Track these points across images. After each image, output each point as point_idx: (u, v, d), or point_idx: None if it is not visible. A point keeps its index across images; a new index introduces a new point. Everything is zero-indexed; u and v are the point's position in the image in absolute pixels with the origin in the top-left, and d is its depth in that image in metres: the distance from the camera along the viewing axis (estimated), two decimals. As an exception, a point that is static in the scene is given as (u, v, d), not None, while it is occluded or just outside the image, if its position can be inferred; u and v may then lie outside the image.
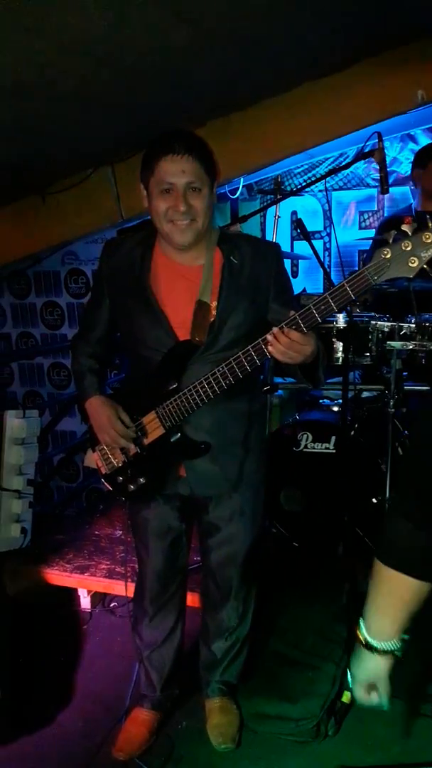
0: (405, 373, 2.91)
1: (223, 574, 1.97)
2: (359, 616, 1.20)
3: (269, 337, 1.53)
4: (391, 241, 1.41)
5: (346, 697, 2.05)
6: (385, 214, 4.03)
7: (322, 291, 4.03)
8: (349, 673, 1.23)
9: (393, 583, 1.12)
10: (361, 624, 1.18)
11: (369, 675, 1.18)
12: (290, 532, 2.92)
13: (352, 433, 2.84)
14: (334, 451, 2.80)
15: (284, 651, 2.23)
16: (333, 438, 2.81)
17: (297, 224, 2.45)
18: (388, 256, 1.40)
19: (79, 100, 2.27)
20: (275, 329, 1.53)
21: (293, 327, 1.51)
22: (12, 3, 1.49)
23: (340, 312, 2.60)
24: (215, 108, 2.91)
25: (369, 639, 1.16)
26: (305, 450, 2.86)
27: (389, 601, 1.14)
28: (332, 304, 1.48)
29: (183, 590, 2.07)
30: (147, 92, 2.36)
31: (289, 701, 2.04)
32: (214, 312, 1.71)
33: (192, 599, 2.24)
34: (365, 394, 3.13)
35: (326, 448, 2.82)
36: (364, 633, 1.17)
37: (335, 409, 3.10)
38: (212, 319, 1.71)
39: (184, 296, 1.72)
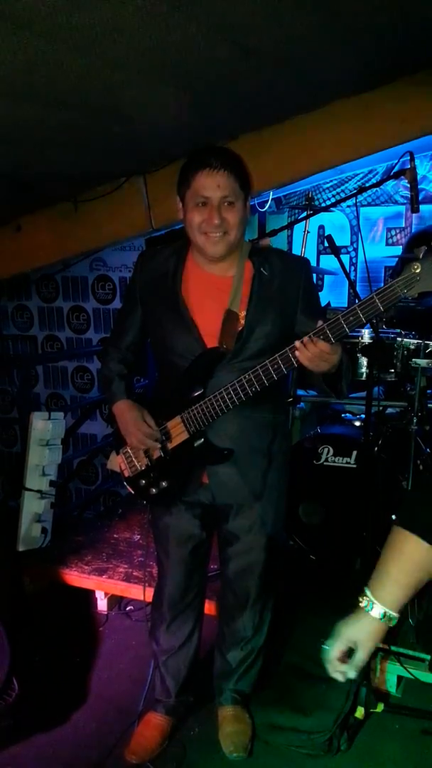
0: (429, 391, 2.90)
1: (241, 583, 1.98)
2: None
3: (297, 344, 1.57)
4: (421, 256, 1.44)
5: (359, 712, 2.06)
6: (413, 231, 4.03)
7: (346, 305, 4.07)
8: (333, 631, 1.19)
9: (412, 548, 1.12)
10: (366, 590, 1.17)
11: (358, 634, 1.15)
12: (308, 545, 2.92)
13: (375, 449, 2.84)
14: (354, 465, 2.81)
15: (299, 663, 2.24)
16: (354, 453, 2.81)
17: (327, 240, 2.46)
18: (418, 270, 1.43)
19: (116, 112, 2.33)
20: (304, 338, 1.56)
21: (321, 337, 1.54)
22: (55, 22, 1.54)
23: (367, 323, 2.60)
24: (248, 123, 2.95)
25: (374, 600, 1.14)
26: (326, 463, 2.86)
27: (405, 567, 1.14)
28: (361, 315, 1.51)
29: (201, 598, 2.09)
30: (184, 107, 2.41)
31: (302, 713, 2.04)
32: (242, 321, 1.75)
33: (209, 607, 2.25)
34: (388, 410, 3.12)
35: (347, 463, 2.82)
36: (369, 595, 1.15)
37: (357, 424, 3.10)
38: (240, 328, 1.74)
39: (214, 306, 1.76)
